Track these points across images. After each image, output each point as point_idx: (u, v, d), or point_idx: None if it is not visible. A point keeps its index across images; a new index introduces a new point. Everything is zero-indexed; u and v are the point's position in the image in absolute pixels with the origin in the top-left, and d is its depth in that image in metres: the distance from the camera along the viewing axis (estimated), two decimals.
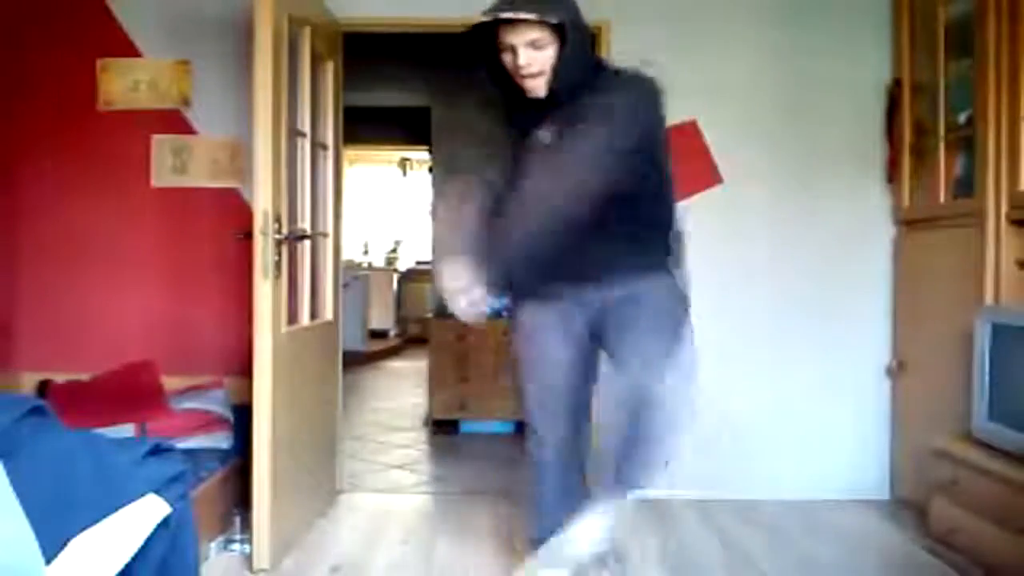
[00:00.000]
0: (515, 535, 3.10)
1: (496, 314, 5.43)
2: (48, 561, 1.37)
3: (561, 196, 2.15)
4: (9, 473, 1.29)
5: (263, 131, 2.71)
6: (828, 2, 3.64)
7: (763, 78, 3.63)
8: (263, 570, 2.71)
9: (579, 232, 2.20)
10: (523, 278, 2.31)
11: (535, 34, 2.14)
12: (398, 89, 5.81)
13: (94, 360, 3.57)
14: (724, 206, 3.59)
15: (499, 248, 2.21)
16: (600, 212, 2.18)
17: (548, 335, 2.41)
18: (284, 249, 2.82)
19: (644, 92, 2.24)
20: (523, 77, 2.19)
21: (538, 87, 2.20)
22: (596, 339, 2.38)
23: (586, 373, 2.44)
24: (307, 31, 3.06)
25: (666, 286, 2.33)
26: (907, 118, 3.49)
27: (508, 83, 2.26)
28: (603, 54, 3.59)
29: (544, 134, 2.26)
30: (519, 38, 2.14)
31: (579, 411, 2.48)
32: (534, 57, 2.16)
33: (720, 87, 3.62)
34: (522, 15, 2.10)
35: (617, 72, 2.29)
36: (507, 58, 2.19)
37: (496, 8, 2.15)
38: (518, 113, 2.34)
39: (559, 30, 2.15)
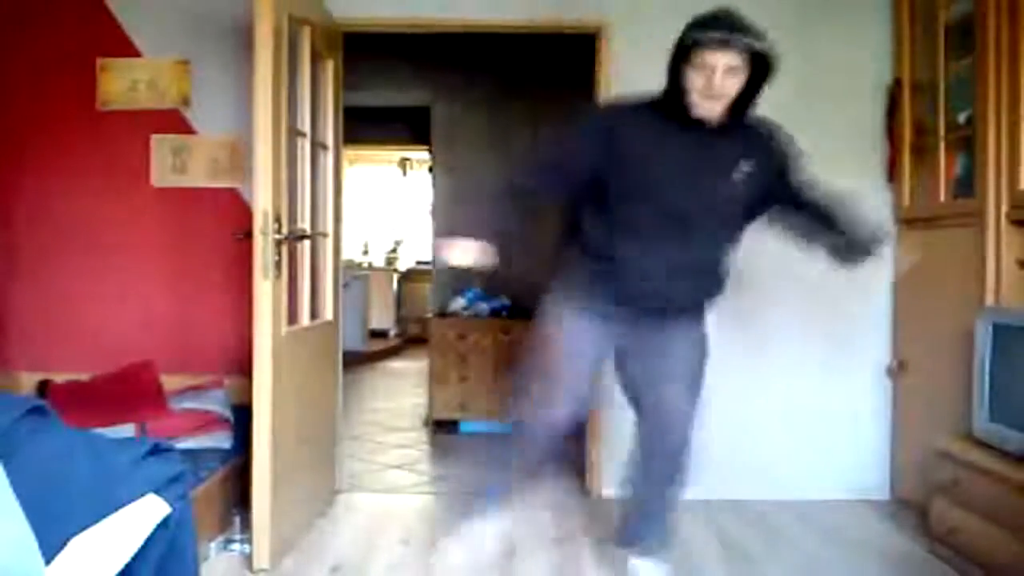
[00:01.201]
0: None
1: (495, 313, 5.42)
2: (48, 561, 1.37)
3: (702, 219, 2.36)
4: (9, 473, 1.29)
5: (263, 131, 2.70)
6: (829, 2, 3.64)
7: None
8: (263, 570, 2.70)
9: (691, 259, 2.39)
10: (619, 286, 2.42)
11: (738, 60, 2.21)
12: (398, 89, 5.80)
13: (94, 360, 3.57)
14: None
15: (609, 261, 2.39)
16: (712, 247, 2.42)
17: (590, 341, 2.53)
18: (284, 249, 2.81)
19: (786, 150, 2.48)
20: (708, 98, 2.25)
21: (714, 111, 2.28)
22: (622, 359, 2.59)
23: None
24: (307, 30, 3.06)
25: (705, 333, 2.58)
26: (907, 118, 3.49)
27: (671, 101, 2.31)
28: (603, 54, 3.60)
29: (694, 157, 2.34)
30: (723, 60, 2.20)
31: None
32: (730, 82, 2.24)
33: None
34: (756, 45, 2.20)
35: (762, 119, 2.44)
36: (697, 76, 2.23)
37: (713, 27, 2.20)
38: (656, 133, 2.37)
39: (755, 62, 2.24)
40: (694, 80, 2.24)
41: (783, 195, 2.48)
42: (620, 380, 2.62)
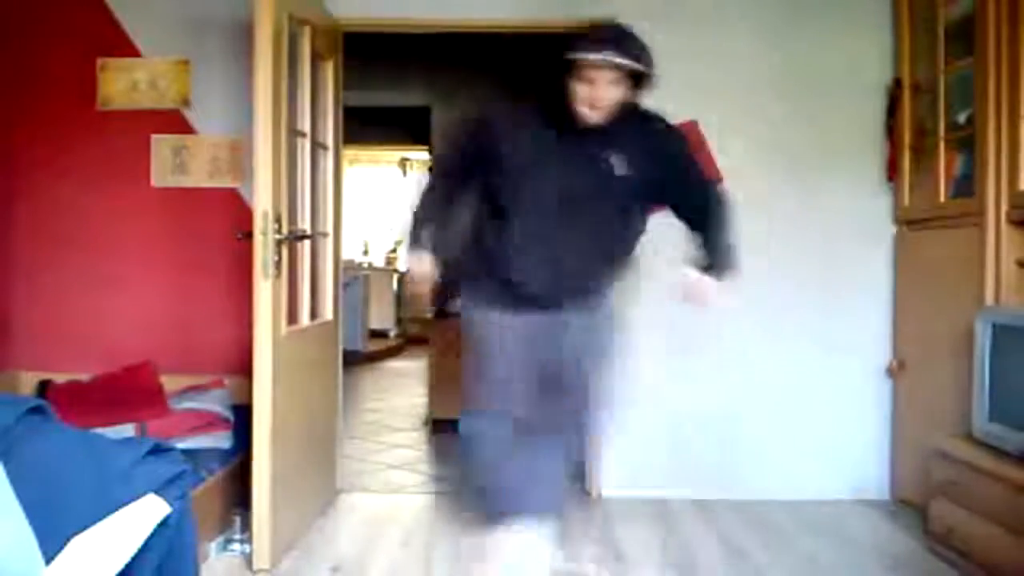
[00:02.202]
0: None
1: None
2: (48, 561, 1.37)
3: (581, 215, 2.44)
4: (9, 473, 1.29)
5: (263, 131, 2.71)
6: (828, 2, 3.63)
7: (763, 78, 3.63)
8: (263, 570, 2.70)
9: (577, 249, 2.47)
10: (507, 286, 2.50)
11: (617, 74, 2.35)
12: (398, 89, 5.80)
13: (94, 360, 3.57)
14: None
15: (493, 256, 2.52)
16: (597, 242, 2.49)
17: (511, 340, 2.54)
18: (284, 249, 2.81)
19: (670, 140, 2.56)
20: (590, 107, 2.38)
21: (594, 118, 2.40)
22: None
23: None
24: (307, 31, 3.06)
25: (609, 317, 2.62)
26: (907, 118, 3.49)
27: (554, 107, 2.44)
28: None
29: (569, 156, 2.45)
30: (605, 75, 2.34)
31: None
32: (612, 92, 2.37)
33: (720, 87, 3.62)
34: (627, 62, 2.33)
35: (646, 115, 2.52)
36: (581, 87, 2.37)
37: (594, 45, 2.35)
38: (542, 137, 2.48)
39: (633, 76, 2.36)
40: (578, 90, 2.38)
41: (671, 190, 2.55)
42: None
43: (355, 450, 4.46)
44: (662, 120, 2.56)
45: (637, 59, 2.35)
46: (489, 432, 2.54)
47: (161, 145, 3.71)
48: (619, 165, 2.45)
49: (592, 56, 2.33)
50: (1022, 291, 2.88)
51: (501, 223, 2.50)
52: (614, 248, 2.57)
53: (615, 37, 2.38)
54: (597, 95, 2.36)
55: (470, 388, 2.63)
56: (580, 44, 2.36)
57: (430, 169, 2.86)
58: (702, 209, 2.57)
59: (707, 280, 2.48)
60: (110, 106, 3.70)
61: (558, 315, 2.52)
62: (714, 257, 2.51)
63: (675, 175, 2.54)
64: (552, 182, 2.45)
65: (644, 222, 2.60)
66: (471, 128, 2.64)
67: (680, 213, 2.59)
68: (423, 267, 2.52)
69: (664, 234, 2.62)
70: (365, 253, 10.57)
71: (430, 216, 2.59)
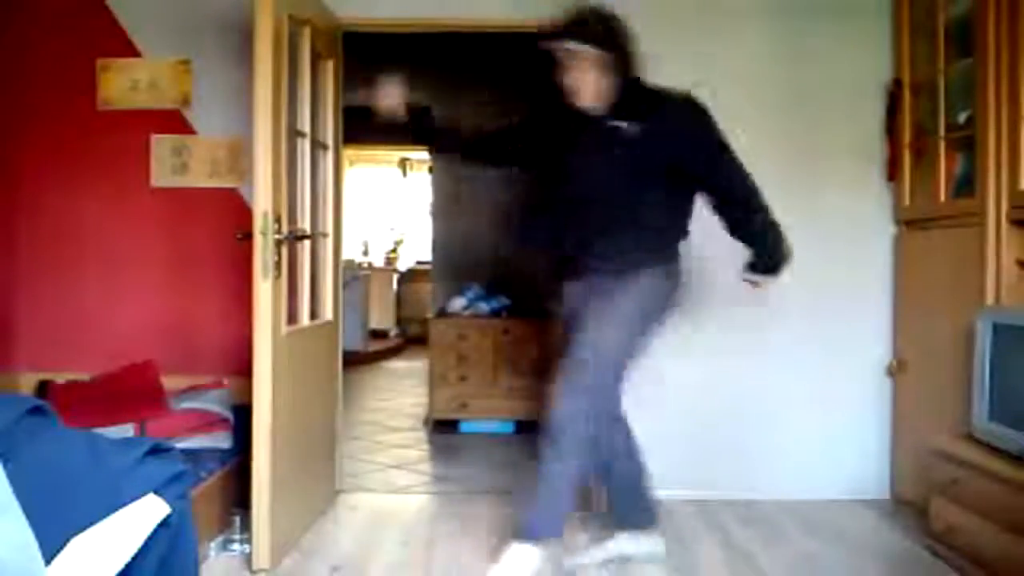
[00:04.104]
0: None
1: (495, 313, 5.45)
2: (48, 561, 1.37)
3: (602, 194, 2.59)
4: (9, 473, 1.29)
5: (263, 131, 2.71)
6: (828, 2, 3.63)
7: (763, 78, 3.63)
8: (263, 570, 2.71)
9: (595, 228, 2.62)
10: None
11: (584, 59, 2.47)
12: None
13: (94, 360, 3.57)
14: None
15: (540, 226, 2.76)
16: (618, 217, 2.60)
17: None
18: (284, 249, 2.81)
19: (679, 114, 2.59)
20: (570, 92, 2.54)
21: (583, 101, 2.55)
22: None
23: None
24: (307, 31, 3.06)
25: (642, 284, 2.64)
26: (907, 118, 3.49)
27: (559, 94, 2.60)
28: None
29: (588, 140, 2.60)
30: (574, 62, 2.49)
31: None
32: (586, 76, 2.49)
33: (720, 87, 3.60)
34: (572, 45, 2.44)
35: (658, 94, 2.60)
36: (564, 76, 2.53)
37: (560, 34, 2.48)
38: (565, 120, 2.66)
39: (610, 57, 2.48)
40: (564, 79, 2.52)
41: (689, 167, 2.60)
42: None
43: (355, 450, 4.46)
44: (670, 95, 2.60)
45: (598, 41, 2.43)
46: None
47: (161, 145, 3.71)
48: (628, 144, 2.53)
49: (553, 44, 2.44)
50: (1022, 291, 2.88)
51: (549, 203, 2.73)
52: (637, 222, 2.60)
53: (575, 23, 2.46)
54: (574, 82, 2.48)
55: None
56: (546, 34, 2.48)
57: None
58: (728, 192, 2.61)
59: (769, 281, 2.66)
60: (110, 106, 3.70)
61: (589, 283, 2.66)
62: (765, 255, 2.63)
63: (689, 151, 2.58)
64: (575, 167, 2.61)
65: (675, 200, 2.67)
66: (533, 114, 2.83)
67: (711, 202, 2.66)
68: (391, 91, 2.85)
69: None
70: (365, 253, 10.57)
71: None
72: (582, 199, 2.63)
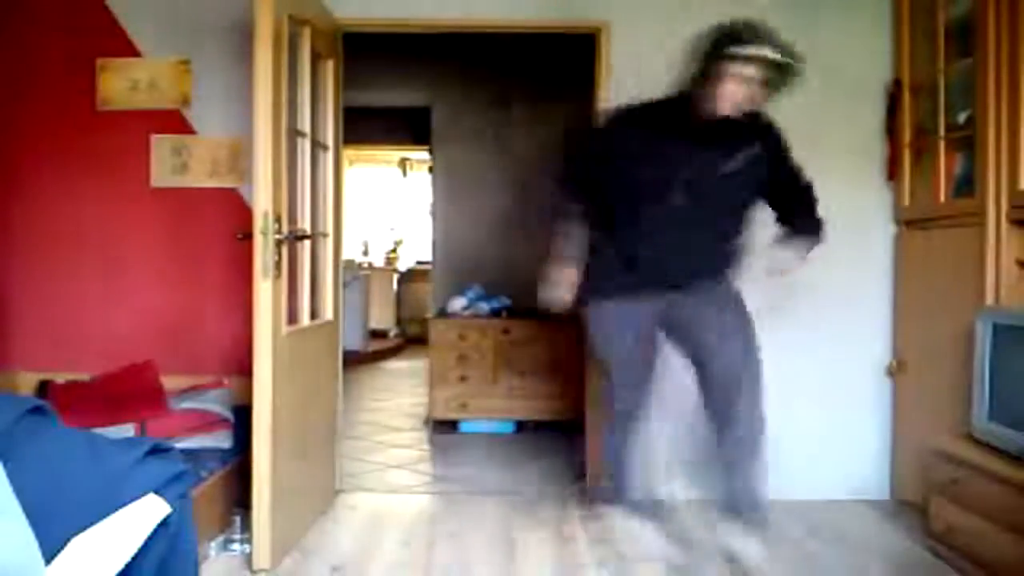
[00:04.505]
0: (514, 532, 3.10)
1: (495, 313, 5.44)
2: (48, 561, 1.37)
3: (707, 208, 2.63)
4: (9, 473, 1.29)
5: (263, 131, 2.71)
6: (828, 2, 3.63)
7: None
8: (263, 570, 2.71)
9: (700, 240, 2.67)
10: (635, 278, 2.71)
11: (764, 71, 2.46)
12: (398, 89, 5.80)
13: (94, 360, 3.57)
14: None
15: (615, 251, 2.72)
16: (720, 227, 2.70)
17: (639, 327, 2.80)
18: (284, 249, 2.81)
19: (771, 134, 2.74)
20: (733, 104, 2.50)
21: (733, 112, 2.53)
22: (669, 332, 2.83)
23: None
24: (307, 31, 3.06)
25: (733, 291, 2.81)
26: (907, 118, 3.49)
27: (684, 103, 2.58)
28: (603, 54, 3.60)
29: (697, 152, 2.62)
30: (753, 71, 2.45)
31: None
32: (756, 91, 2.50)
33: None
34: (771, 54, 2.43)
35: (761, 113, 2.68)
36: (727, 84, 2.46)
37: (747, 41, 2.43)
38: (661, 134, 2.64)
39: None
40: (723, 87, 2.46)
41: (777, 180, 2.75)
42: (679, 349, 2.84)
43: (355, 450, 4.46)
44: (765, 115, 2.69)
45: (789, 56, 2.46)
46: None
47: (161, 145, 3.71)
48: (751, 161, 2.62)
49: (751, 51, 2.40)
50: (1022, 291, 2.88)
51: (631, 217, 2.68)
52: (728, 239, 2.74)
53: (759, 33, 2.46)
54: (744, 92, 2.46)
55: None
56: (728, 40, 2.44)
57: (562, 175, 2.98)
58: (795, 207, 2.78)
59: (792, 256, 2.71)
60: (110, 106, 3.70)
61: (687, 293, 2.73)
62: (799, 234, 2.73)
63: (775, 170, 2.72)
64: (678, 179, 2.60)
65: (752, 213, 2.79)
66: (598, 136, 2.82)
67: (774, 206, 2.78)
68: (569, 275, 2.73)
69: None
70: (365, 253, 10.57)
71: (570, 222, 2.78)
72: (694, 212, 2.63)
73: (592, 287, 2.78)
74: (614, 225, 2.73)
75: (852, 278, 3.64)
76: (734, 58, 2.42)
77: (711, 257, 2.72)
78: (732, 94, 2.47)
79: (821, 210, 3.59)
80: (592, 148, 2.85)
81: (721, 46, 2.44)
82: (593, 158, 2.80)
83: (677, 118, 2.61)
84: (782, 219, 2.82)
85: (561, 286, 2.76)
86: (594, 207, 2.79)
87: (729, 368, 2.69)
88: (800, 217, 2.80)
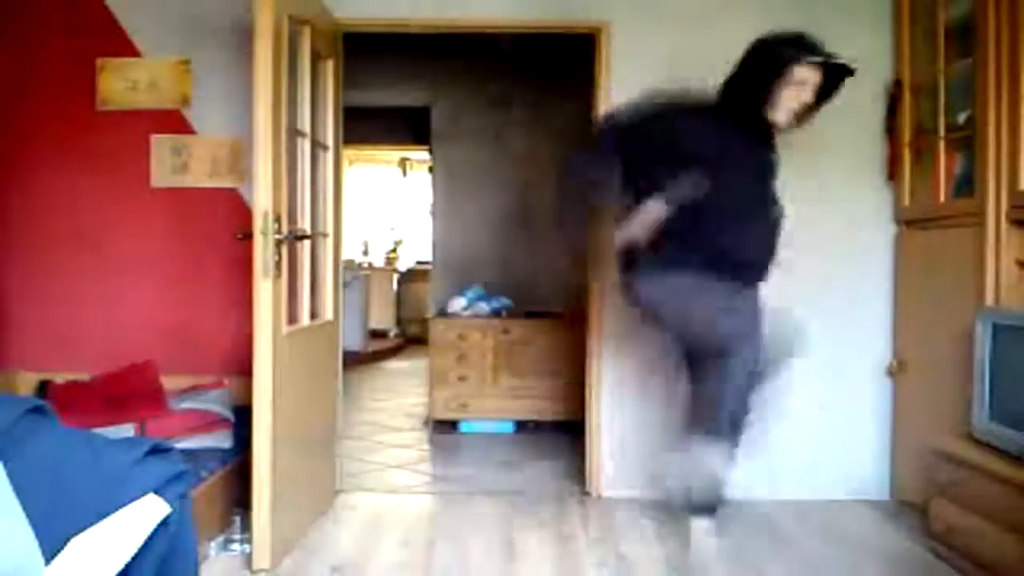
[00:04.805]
0: (515, 534, 3.10)
1: (495, 313, 5.44)
2: (48, 561, 1.37)
3: (766, 201, 2.80)
4: (9, 473, 1.29)
5: (263, 131, 2.71)
6: (828, 2, 3.63)
7: None
8: (263, 570, 2.71)
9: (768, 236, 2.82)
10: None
11: (816, 78, 2.62)
12: (398, 89, 5.80)
13: (94, 360, 3.57)
14: None
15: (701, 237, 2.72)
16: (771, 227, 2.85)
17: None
18: (284, 249, 2.81)
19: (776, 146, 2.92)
20: (790, 110, 2.65)
21: (784, 117, 2.68)
22: None
23: None
24: (307, 31, 3.06)
25: None
26: (907, 118, 3.49)
27: (744, 108, 2.70)
28: (603, 54, 3.60)
29: (754, 155, 2.78)
30: (813, 77, 2.61)
31: None
32: (811, 96, 2.65)
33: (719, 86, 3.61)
34: (833, 61, 2.59)
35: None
36: (789, 91, 2.61)
37: (808, 48, 2.61)
38: (724, 136, 2.72)
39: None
40: (784, 93, 2.60)
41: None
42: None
43: (355, 450, 4.46)
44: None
45: (843, 66, 2.63)
46: None
47: (161, 145, 3.71)
48: (774, 164, 2.80)
49: (810, 56, 2.55)
50: (1022, 291, 2.88)
51: (717, 215, 2.69)
52: (775, 234, 2.86)
53: (814, 41, 2.63)
54: (803, 98, 2.61)
55: None
56: (791, 46, 2.60)
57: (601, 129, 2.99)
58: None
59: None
60: (110, 106, 3.70)
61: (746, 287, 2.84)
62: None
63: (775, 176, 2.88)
64: (738, 178, 2.70)
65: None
66: (648, 119, 2.79)
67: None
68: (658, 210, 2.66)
69: None
70: (365, 253, 10.57)
71: (599, 189, 2.82)
72: (762, 210, 2.78)
73: (686, 262, 2.71)
74: (692, 217, 2.67)
75: (852, 278, 3.64)
76: (799, 63, 2.57)
77: (773, 254, 2.85)
78: (792, 98, 2.62)
79: (821, 210, 3.65)
80: (649, 130, 2.77)
81: (787, 51, 2.59)
82: (644, 138, 2.74)
83: (740, 118, 2.70)
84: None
85: (648, 223, 2.66)
86: (632, 184, 2.77)
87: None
88: None
